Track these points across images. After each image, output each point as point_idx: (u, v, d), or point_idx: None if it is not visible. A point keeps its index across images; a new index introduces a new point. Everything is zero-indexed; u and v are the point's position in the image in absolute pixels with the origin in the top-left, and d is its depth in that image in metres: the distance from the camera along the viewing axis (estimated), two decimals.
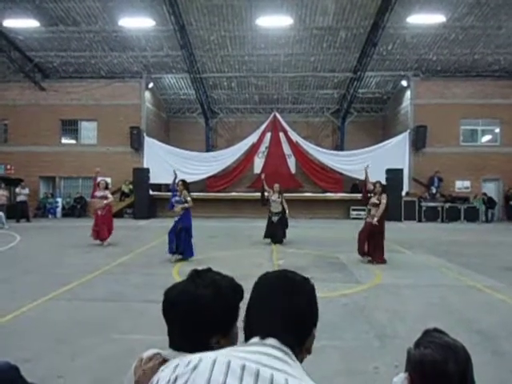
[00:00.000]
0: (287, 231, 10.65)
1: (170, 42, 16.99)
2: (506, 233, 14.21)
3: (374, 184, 8.44)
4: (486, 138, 19.71)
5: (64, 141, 20.10)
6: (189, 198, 8.26)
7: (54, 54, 18.16)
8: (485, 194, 18.19)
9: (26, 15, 15.65)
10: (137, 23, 16.02)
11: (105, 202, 10.26)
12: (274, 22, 15.79)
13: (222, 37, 16.91)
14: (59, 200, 19.29)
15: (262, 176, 11.62)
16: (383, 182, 16.65)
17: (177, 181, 8.65)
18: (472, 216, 17.86)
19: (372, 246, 8.12)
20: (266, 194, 10.86)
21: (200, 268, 1.17)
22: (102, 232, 10.15)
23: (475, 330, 4.33)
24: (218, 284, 1.08)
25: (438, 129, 18.45)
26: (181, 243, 8.14)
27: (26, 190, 17.09)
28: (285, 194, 11.01)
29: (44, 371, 3.24)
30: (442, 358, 1.22)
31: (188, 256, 8.17)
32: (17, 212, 16.51)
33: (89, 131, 19.90)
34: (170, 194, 9.13)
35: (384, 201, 8.17)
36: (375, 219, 8.10)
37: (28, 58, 18.42)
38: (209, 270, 1.16)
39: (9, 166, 19.15)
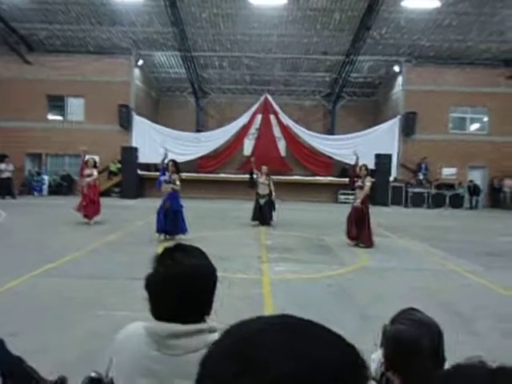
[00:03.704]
0: (274, 214, 10.71)
1: (161, 17, 16.55)
2: (488, 219, 14.53)
3: (360, 167, 8.56)
4: (475, 126, 19.90)
5: (50, 117, 19.68)
6: (178, 182, 8.21)
7: (40, 26, 17.55)
8: (471, 181, 18.49)
9: None
10: None
11: (87, 179, 10.15)
12: (268, 0, 15.49)
13: (214, 14, 16.54)
14: (45, 177, 19.00)
15: (252, 159, 11.62)
16: (371, 166, 16.80)
17: (166, 160, 8.57)
18: (457, 202, 18.18)
19: (359, 229, 8.25)
20: (254, 176, 10.87)
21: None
22: (87, 209, 10.07)
23: (454, 311, 4.48)
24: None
25: (427, 116, 18.54)
26: (168, 224, 8.14)
27: (11, 167, 16.78)
28: (273, 177, 11.04)
29: (30, 345, 3.26)
30: (415, 334, 1.27)
31: (181, 233, 8.16)
32: (2, 188, 16.26)
33: (76, 108, 19.49)
34: (157, 173, 9.05)
35: (368, 183, 8.32)
36: (358, 201, 8.30)
37: (12, 28, 17.77)
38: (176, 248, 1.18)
39: None
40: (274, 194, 10.65)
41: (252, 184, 10.93)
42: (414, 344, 1.25)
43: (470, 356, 0.57)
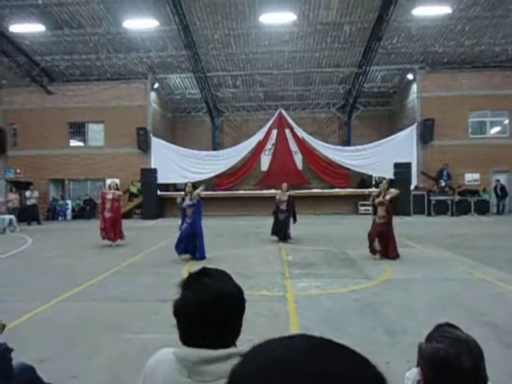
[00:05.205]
0: (292, 228, 10.54)
1: (174, 41, 17.04)
2: None
3: (382, 183, 8.38)
4: (495, 129, 19.47)
5: (72, 143, 20.30)
6: (197, 191, 8.31)
7: (60, 57, 18.33)
8: (498, 181, 17.96)
9: (32, 20, 15.81)
10: (141, 24, 16.09)
11: (113, 193, 10.36)
12: (278, 18, 15.76)
13: (225, 35, 16.92)
14: (69, 202, 19.48)
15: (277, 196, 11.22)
16: (391, 175, 16.59)
17: (187, 182, 8.70)
18: (482, 208, 17.68)
19: (384, 243, 8.05)
20: (276, 198, 10.75)
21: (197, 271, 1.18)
22: (109, 232, 10.24)
23: (486, 323, 4.31)
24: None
25: (445, 121, 18.27)
26: (191, 244, 8.18)
27: (36, 193, 17.30)
28: (292, 191, 10.96)
29: (59, 371, 3.30)
30: (454, 352, 1.21)
31: (198, 258, 8.17)
32: (28, 215, 16.74)
33: (96, 133, 20.06)
34: (176, 193, 9.17)
35: (387, 196, 8.07)
36: (382, 220, 8.01)
37: (35, 62, 18.61)
38: (202, 273, 1.17)
39: (19, 170, 19.40)
40: (295, 210, 10.53)
41: (276, 210, 10.76)
42: (453, 363, 1.19)
43: None
